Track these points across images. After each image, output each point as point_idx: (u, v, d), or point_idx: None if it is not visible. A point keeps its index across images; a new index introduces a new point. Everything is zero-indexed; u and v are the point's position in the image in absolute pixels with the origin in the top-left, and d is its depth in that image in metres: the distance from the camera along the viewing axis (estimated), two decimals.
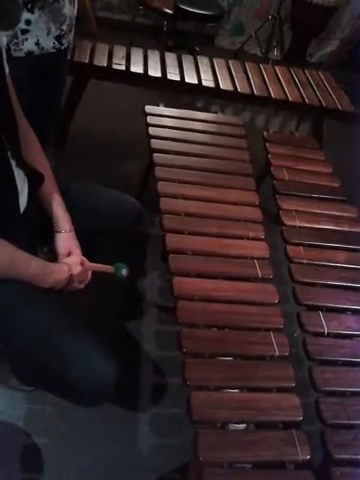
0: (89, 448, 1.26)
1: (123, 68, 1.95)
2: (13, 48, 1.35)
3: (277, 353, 1.06)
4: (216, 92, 2.01)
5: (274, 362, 1.06)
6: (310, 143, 1.78)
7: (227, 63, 2.16)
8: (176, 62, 2.08)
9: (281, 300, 1.18)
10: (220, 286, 1.18)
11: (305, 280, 1.24)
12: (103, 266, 1.18)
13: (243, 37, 3.53)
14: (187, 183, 1.44)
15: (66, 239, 1.17)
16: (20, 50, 1.37)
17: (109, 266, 1.17)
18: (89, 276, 1.17)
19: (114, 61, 1.96)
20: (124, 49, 2.05)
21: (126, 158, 2.27)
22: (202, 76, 2.03)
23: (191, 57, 2.15)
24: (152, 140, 1.56)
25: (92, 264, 1.17)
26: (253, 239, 1.32)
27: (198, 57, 2.15)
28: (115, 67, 1.95)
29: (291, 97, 2.05)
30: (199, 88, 2.00)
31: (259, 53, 3.47)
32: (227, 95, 2.02)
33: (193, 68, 2.07)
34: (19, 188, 1.05)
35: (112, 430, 1.30)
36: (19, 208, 1.08)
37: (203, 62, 2.12)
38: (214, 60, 2.15)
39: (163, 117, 1.68)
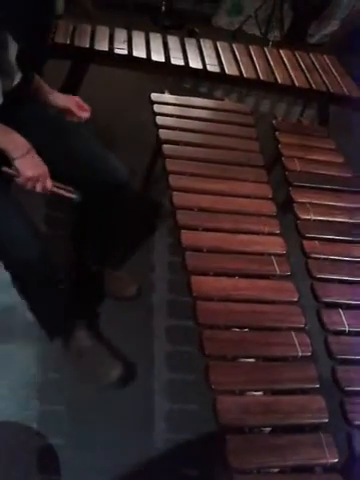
0: (105, 448, 1.24)
1: (125, 53, 1.88)
2: None
3: (300, 353, 1.04)
4: (221, 77, 1.95)
5: (297, 363, 1.04)
6: (319, 131, 1.74)
7: (231, 46, 2.09)
8: (179, 46, 2.00)
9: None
10: (238, 285, 1.15)
11: (323, 276, 1.22)
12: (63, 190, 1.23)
13: (241, 17, 3.44)
14: (198, 176, 1.40)
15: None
16: None
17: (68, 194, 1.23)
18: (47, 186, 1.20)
19: (115, 45, 1.89)
20: (125, 32, 1.97)
21: (129, 147, 2.20)
22: (206, 60, 1.96)
23: (194, 40, 2.08)
24: (160, 130, 1.51)
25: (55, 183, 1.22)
26: (269, 234, 1.29)
27: (201, 40, 2.07)
28: (117, 51, 1.87)
29: (297, 82, 1.99)
30: (204, 73, 1.94)
31: (258, 33, 3.39)
32: (232, 80, 1.97)
33: (197, 52, 1.99)
34: None
35: (127, 428, 1.29)
36: None
37: (206, 46, 2.05)
38: (218, 43, 2.08)
39: (170, 105, 1.63)
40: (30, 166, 1.16)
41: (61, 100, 1.39)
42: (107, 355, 1.41)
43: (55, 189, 1.22)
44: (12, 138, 1.16)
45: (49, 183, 1.20)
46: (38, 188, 1.18)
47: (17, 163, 1.15)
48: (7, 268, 1.23)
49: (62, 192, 1.23)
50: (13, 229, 1.17)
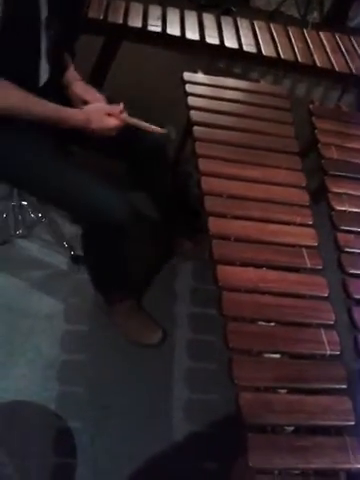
0: (123, 434, 1.23)
1: (159, 30, 1.82)
2: None
3: (328, 352, 1.00)
4: (258, 58, 1.87)
5: (325, 362, 1.00)
6: (358, 118, 1.65)
7: (269, 27, 2.00)
8: (215, 24, 1.93)
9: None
10: (266, 276, 1.11)
11: (356, 271, 1.16)
12: (145, 124, 1.35)
13: None
14: (229, 160, 1.34)
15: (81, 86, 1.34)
16: None
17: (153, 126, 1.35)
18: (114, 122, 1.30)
19: (149, 22, 1.83)
20: (160, 9, 1.91)
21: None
22: (243, 40, 1.89)
23: (230, 19, 2.00)
24: (192, 111, 1.45)
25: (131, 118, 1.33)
26: (301, 225, 1.24)
27: (238, 19, 2.00)
28: (151, 29, 1.82)
29: (337, 66, 1.90)
30: (240, 53, 1.86)
31: (297, 15, 3.26)
32: (269, 61, 1.89)
33: (233, 31, 1.92)
34: (43, 62, 1.17)
35: (146, 416, 1.27)
36: (38, 79, 1.20)
37: (243, 25, 1.97)
38: (255, 23, 1.99)
39: (203, 86, 1.56)
40: (105, 120, 1.28)
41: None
42: (152, 320, 1.50)
43: (134, 121, 1.34)
44: (72, 114, 1.24)
45: (124, 116, 1.33)
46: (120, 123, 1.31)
47: (96, 127, 1.26)
48: (93, 231, 1.30)
49: (144, 125, 1.36)
50: (97, 195, 1.25)
